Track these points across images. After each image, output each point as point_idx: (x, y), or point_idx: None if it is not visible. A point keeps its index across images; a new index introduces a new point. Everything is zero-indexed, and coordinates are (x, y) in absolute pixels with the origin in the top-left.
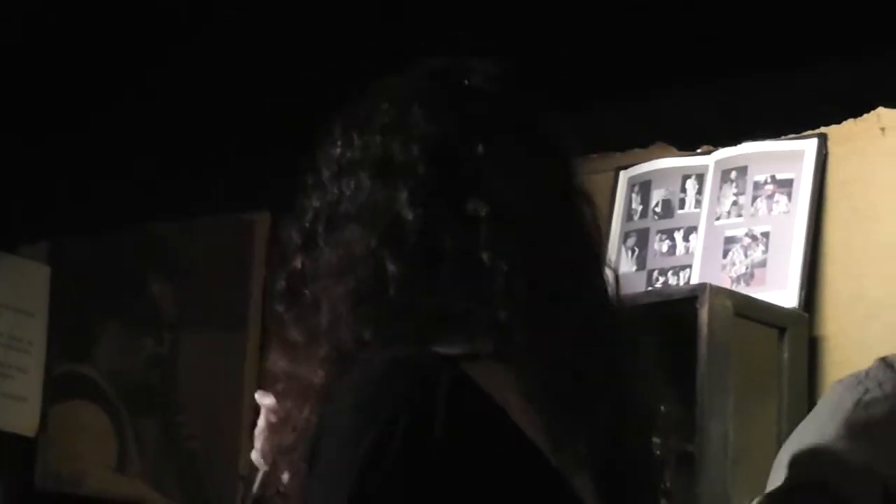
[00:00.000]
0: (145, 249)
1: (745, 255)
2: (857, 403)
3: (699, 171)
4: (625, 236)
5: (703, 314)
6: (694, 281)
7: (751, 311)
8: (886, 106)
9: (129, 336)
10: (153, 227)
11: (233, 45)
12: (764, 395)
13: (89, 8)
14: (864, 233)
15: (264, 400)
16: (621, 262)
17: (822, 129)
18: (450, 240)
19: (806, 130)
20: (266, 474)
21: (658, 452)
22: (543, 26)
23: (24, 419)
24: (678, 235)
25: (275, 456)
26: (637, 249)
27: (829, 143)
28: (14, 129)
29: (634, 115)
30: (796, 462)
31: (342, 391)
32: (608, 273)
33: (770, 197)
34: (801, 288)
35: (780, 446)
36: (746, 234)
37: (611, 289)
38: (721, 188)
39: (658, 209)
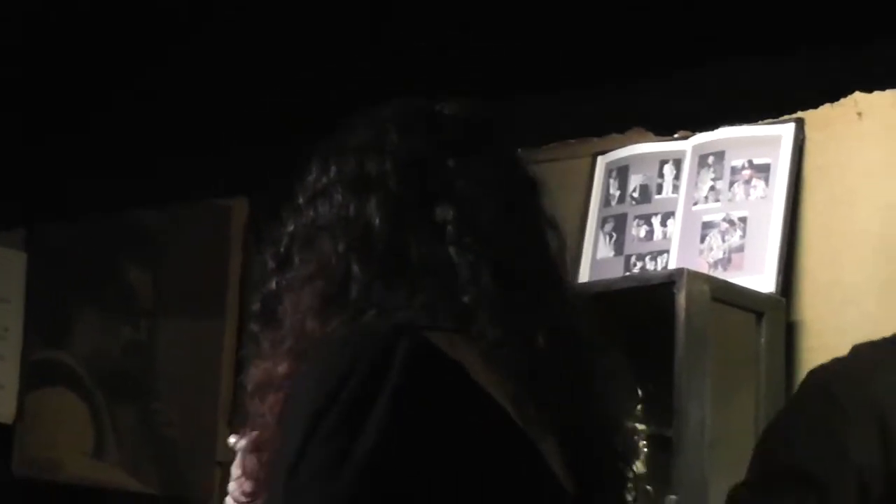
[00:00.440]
0: (122, 236)
1: (723, 240)
2: (827, 393)
3: (676, 157)
4: (602, 221)
5: (681, 299)
6: (671, 266)
7: (728, 296)
8: (863, 91)
9: (106, 323)
10: (130, 213)
11: (209, 34)
12: (741, 380)
13: (69, 1)
14: (842, 218)
15: (238, 444)
16: (599, 248)
17: (800, 114)
18: (417, 243)
19: (783, 115)
20: None
21: (627, 429)
22: (524, 13)
23: (1, 406)
24: (656, 220)
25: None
26: (615, 235)
27: (807, 128)
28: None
29: (612, 101)
30: (771, 449)
31: (308, 361)
32: (566, 263)
33: (747, 182)
34: (779, 273)
35: (757, 430)
36: (724, 219)
37: (568, 277)
38: (698, 173)
39: (635, 194)
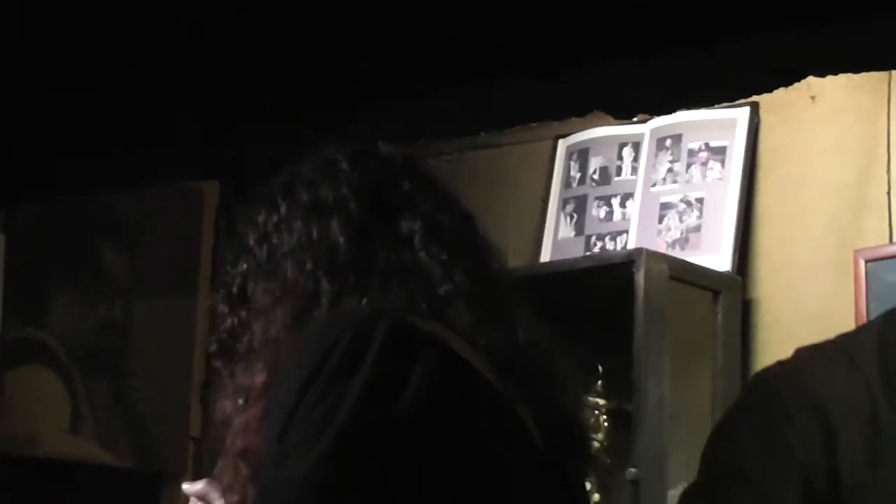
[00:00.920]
0: (97, 218)
1: (680, 221)
2: (771, 393)
3: (635, 140)
4: (563, 203)
5: (640, 278)
6: (631, 246)
7: (686, 275)
8: (816, 75)
9: (81, 302)
10: (105, 195)
11: (185, 18)
12: (699, 356)
13: None
14: (796, 198)
15: (192, 488)
16: (560, 228)
17: (754, 98)
18: (385, 253)
19: (738, 99)
20: None
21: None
22: (489, 2)
23: None
24: (615, 202)
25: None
26: (575, 216)
27: (761, 112)
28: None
29: (572, 85)
30: (717, 449)
31: (290, 350)
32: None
33: (704, 164)
34: (735, 252)
35: (714, 405)
36: (681, 200)
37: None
38: (656, 156)
39: (595, 176)
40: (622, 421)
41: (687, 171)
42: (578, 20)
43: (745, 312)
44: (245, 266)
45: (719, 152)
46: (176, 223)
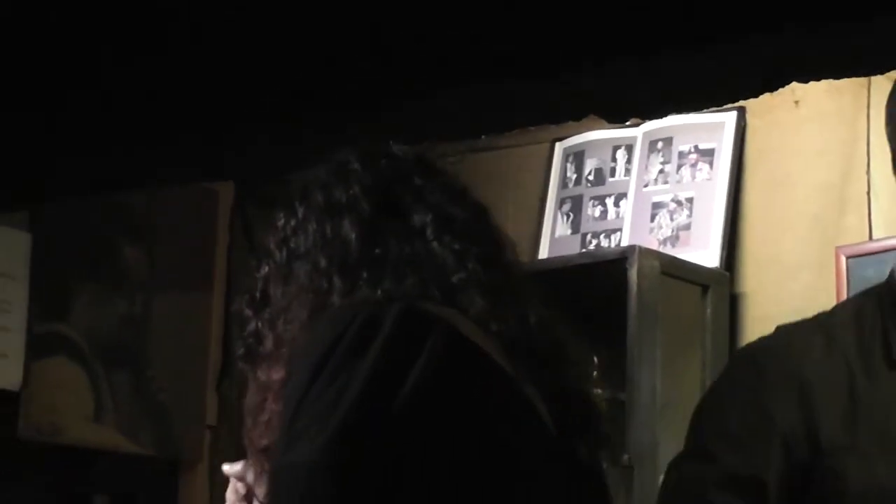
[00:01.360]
0: (119, 217)
1: (671, 219)
2: (753, 365)
3: (628, 142)
4: (560, 202)
5: (633, 274)
6: (624, 243)
7: (676, 271)
8: (800, 81)
9: (103, 297)
10: (126, 196)
11: (185, 18)
12: (689, 348)
13: None
14: (780, 198)
15: (231, 469)
16: (557, 227)
17: (741, 103)
18: (398, 245)
19: (726, 104)
20: None
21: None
22: (489, 8)
23: (7, 375)
24: (609, 201)
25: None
26: (572, 214)
27: (748, 116)
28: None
29: (568, 90)
30: (703, 419)
31: (305, 336)
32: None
33: (693, 165)
34: (723, 249)
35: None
36: (672, 200)
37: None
38: (648, 157)
39: (591, 177)
40: (616, 409)
41: (677, 172)
42: (575, 29)
43: (732, 306)
44: (266, 270)
45: (708, 154)
46: (192, 223)
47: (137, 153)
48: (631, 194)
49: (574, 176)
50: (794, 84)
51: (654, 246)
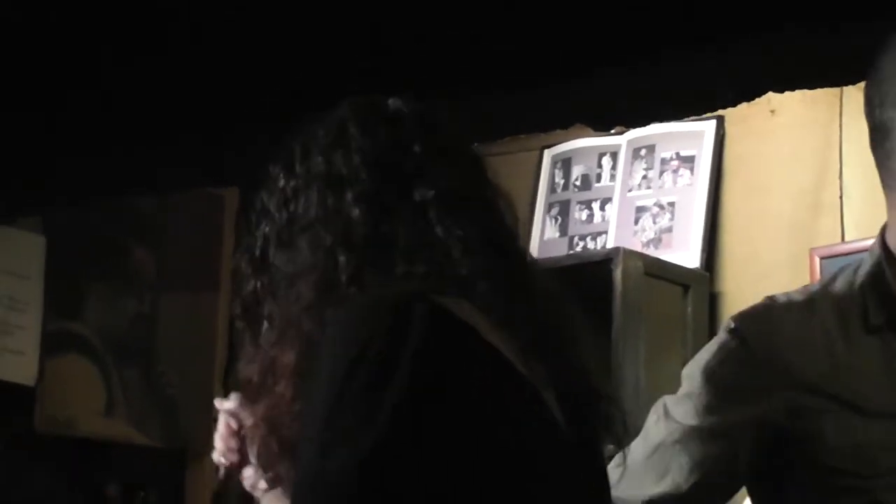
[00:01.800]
0: (129, 221)
1: (654, 222)
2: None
3: (613, 150)
4: (549, 206)
5: (618, 274)
6: (609, 245)
7: (659, 271)
8: (775, 91)
9: (114, 297)
10: (136, 200)
11: (185, 18)
12: (671, 344)
13: None
14: (757, 202)
15: (223, 405)
16: (546, 229)
17: (720, 112)
18: (403, 227)
19: (706, 113)
20: (228, 468)
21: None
22: (475, 19)
23: (24, 370)
24: (595, 206)
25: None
26: (560, 218)
27: (726, 124)
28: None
29: (557, 100)
30: (690, 372)
31: (325, 337)
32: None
33: (675, 171)
34: (703, 250)
35: None
36: (655, 204)
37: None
38: (632, 164)
39: (578, 183)
40: None
41: (660, 178)
42: (562, 41)
43: (712, 304)
44: (266, 230)
45: (689, 161)
46: (199, 226)
47: (137, 153)
48: (616, 199)
49: (562, 181)
50: (770, 94)
51: (638, 248)
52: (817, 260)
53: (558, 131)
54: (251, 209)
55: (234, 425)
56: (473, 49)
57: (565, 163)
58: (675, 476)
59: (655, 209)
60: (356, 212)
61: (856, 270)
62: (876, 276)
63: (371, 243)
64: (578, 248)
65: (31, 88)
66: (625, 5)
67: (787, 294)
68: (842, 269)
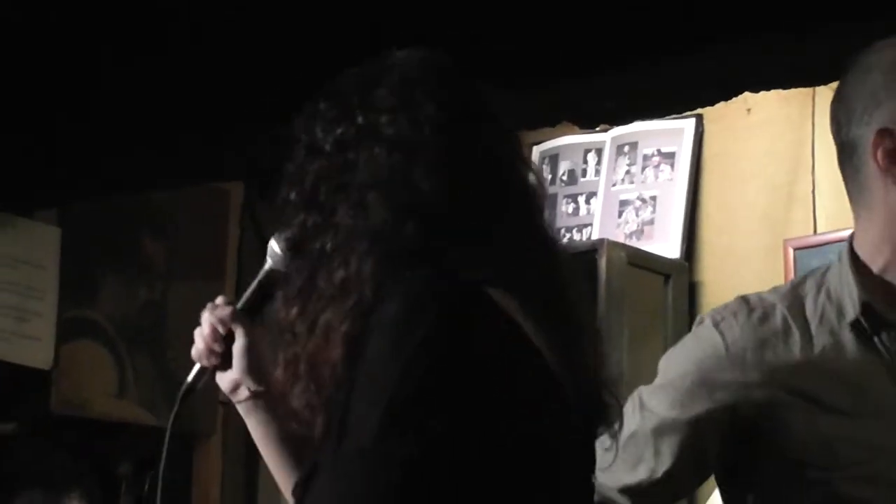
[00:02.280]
0: (140, 213)
1: (637, 215)
2: (715, 328)
3: (598, 146)
4: None
5: (602, 264)
6: (594, 237)
7: (641, 261)
8: (751, 91)
9: (126, 285)
10: (146, 194)
11: (185, 18)
12: (652, 331)
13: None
14: (734, 195)
15: (214, 310)
16: None
17: (699, 111)
18: (463, 211)
19: (686, 111)
20: (200, 370)
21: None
22: (470, 21)
23: (40, 355)
24: (581, 199)
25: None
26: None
27: (705, 122)
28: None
29: (544, 99)
30: (666, 364)
31: (382, 314)
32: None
33: (657, 167)
34: (683, 242)
35: None
36: (637, 198)
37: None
38: (616, 160)
39: (564, 177)
40: None
41: (642, 173)
42: (549, 43)
43: (691, 293)
44: (317, 166)
45: (669, 157)
46: (206, 218)
47: (137, 153)
48: (600, 193)
49: (549, 176)
50: (747, 93)
51: (621, 239)
52: (791, 250)
53: (546, 129)
54: (262, 190)
55: (221, 331)
56: (468, 50)
57: (552, 159)
58: (649, 464)
59: (638, 202)
60: (426, 185)
61: (824, 273)
62: (843, 280)
63: (434, 223)
64: (565, 240)
65: (32, 89)
66: (610, 10)
67: (758, 294)
68: (811, 272)
